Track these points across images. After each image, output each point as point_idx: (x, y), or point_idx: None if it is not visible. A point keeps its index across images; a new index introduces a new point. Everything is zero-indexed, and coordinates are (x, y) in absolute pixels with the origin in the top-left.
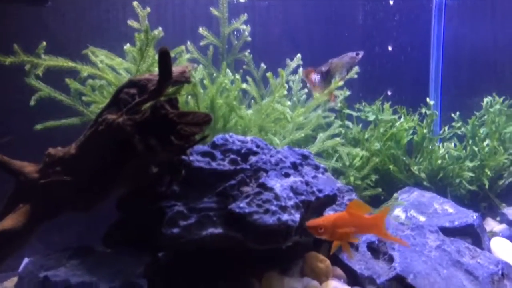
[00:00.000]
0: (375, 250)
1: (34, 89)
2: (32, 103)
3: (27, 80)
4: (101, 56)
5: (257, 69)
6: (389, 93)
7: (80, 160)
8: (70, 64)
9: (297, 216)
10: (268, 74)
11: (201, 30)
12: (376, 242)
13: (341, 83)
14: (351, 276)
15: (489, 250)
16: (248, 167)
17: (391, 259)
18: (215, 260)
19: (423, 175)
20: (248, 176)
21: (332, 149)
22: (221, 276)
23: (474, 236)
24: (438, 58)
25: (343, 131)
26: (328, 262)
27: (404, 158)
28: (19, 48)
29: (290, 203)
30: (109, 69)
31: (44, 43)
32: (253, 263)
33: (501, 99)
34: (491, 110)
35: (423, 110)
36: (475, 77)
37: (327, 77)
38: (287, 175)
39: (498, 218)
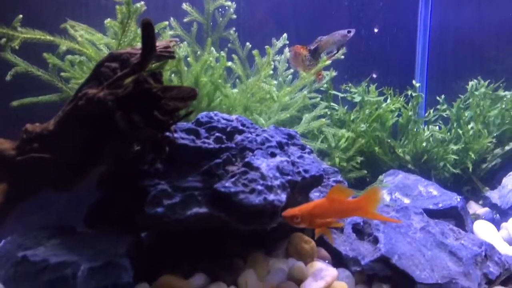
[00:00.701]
0: (360, 231)
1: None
2: (8, 78)
3: (2, 54)
4: (80, 31)
5: (242, 48)
6: (374, 75)
7: (59, 136)
8: (48, 37)
9: (283, 196)
10: (254, 52)
11: (185, 6)
12: (361, 223)
13: (328, 62)
14: (336, 257)
15: (472, 233)
16: (233, 145)
17: (375, 241)
18: (199, 240)
19: (407, 157)
20: (234, 155)
21: (317, 130)
22: (205, 256)
23: (458, 218)
24: (424, 41)
25: (328, 112)
26: (313, 243)
27: (389, 141)
28: None
29: (276, 183)
30: (89, 43)
31: (20, 16)
32: (238, 244)
33: (486, 83)
34: (476, 93)
35: (409, 92)
36: (461, 61)
37: (314, 55)
38: (273, 155)
39: (480, 202)
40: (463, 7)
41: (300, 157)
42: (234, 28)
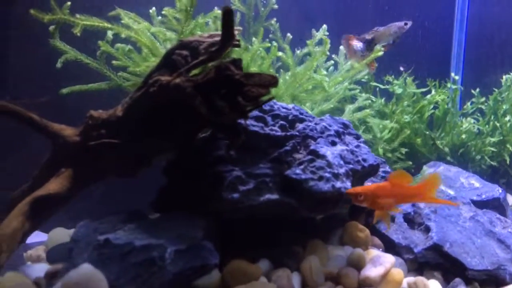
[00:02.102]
0: (410, 220)
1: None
2: (58, 65)
3: (52, 41)
4: (127, 19)
5: (283, 39)
6: (401, 68)
7: (126, 122)
8: (106, 25)
9: (348, 184)
10: (309, 41)
11: None
12: (412, 213)
13: (381, 53)
14: (389, 245)
15: None
16: (297, 133)
17: (427, 229)
18: (260, 229)
19: (446, 149)
20: (298, 143)
21: (358, 121)
22: (267, 244)
23: (500, 209)
24: (461, 33)
25: (368, 104)
26: (367, 231)
27: (427, 132)
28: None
29: (342, 170)
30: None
31: (69, 3)
32: (295, 232)
33: None
34: None
35: (448, 85)
36: (497, 54)
37: (370, 46)
38: (333, 143)
39: None
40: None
41: (357, 146)
42: (275, 19)
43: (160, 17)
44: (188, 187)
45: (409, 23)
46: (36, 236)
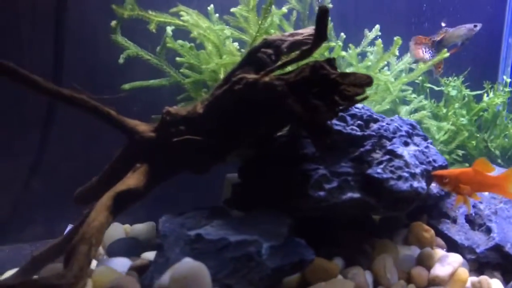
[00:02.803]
0: (471, 221)
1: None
2: (121, 61)
3: (113, 37)
4: (186, 16)
5: (336, 37)
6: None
7: (207, 119)
8: (177, 21)
9: (424, 184)
10: (377, 42)
11: None
12: (473, 214)
13: (447, 54)
14: (452, 245)
15: None
16: (373, 133)
17: (488, 230)
18: (326, 228)
19: (497, 152)
20: (375, 142)
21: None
22: (338, 243)
23: None
24: (510, 37)
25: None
26: (432, 232)
27: (478, 135)
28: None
29: (418, 170)
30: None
31: None
32: (362, 232)
33: None
34: None
35: (501, 87)
36: None
37: (438, 47)
38: (406, 144)
39: None
40: None
41: (426, 147)
42: (329, 17)
43: (217, 14)
44: (269, 185)
45: (479, 26)
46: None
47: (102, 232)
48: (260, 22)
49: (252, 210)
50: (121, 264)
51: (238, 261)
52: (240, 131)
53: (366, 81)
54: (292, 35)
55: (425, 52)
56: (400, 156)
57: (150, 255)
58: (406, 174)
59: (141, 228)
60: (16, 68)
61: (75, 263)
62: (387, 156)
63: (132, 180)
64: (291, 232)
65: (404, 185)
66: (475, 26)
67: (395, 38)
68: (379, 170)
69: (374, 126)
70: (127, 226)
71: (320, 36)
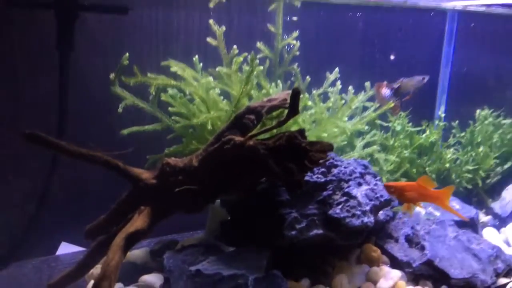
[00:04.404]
0: (410, 241)
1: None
2: (119, 110)
3: (113, 89)
4: (175, 67)
5: (303, 81)
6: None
7: (200, 171)
8: (173, 82)
9: (372, 219)
10: (338, 97)
11: (259, 44)
12: (411, 234)
13: (392, 104)
14: (394, 261)
15: (482, 237)
16: (334, 178)
17: (422, 248)
18: (302, 253)
19: (433, 175)
20: (335, 186)
21: (365, 154)
22: (306, 265)
23: (474, 227)
24: (444, 76)
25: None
26: (379, 251)
27: (418, 161)
28: (137, 70)
29: (367, 208)
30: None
31: (127, 54)
32: (324, 255)
33: (490, 112)
34: (486, 122)
35: (436, 122)
36: (473, 94)
37: (396, 93)
38: (360, 184)
39: (484, 211)
40: (479, 51)
41: (375, 184)
42: (297, 63)
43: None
44: (252, 224)
45: (427, 78)
46: (65, 248)
47: (118, 269)
48: (243, 86)
49: (238, 244)
50: None
51: None
52: (229, 180)
53: (328, 147)
54: (269, 100)
55: (386, 96)
56: (354, 197)
57: (148, 278)
58: (358, 212)
59: (137, 254)
60: (45, 136)
61: None
62: (344, 198)
63: (139, 222)
64: (269, 262)
65: (356, 222)
66: (424, 78)
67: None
68: (337, 211)
69: (335, 171)
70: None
71: (293, 111)
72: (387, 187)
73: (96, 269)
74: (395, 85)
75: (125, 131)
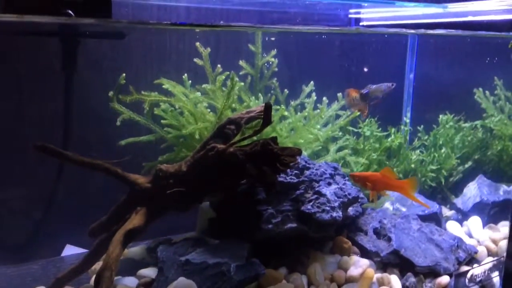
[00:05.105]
0: (378, 233)
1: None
2: (118, 123)
3: (111, 105)
4: (167, 85)
5: (281, 93)
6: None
7: (188, 175)
8: (164, 98)
9: (340, 213)
10: (312, 95)
11: (241, 62)
12: (379, 227)
13: (358, 113)
14: (364, 251)
15: (445, 229)
16: (306, 179)
17: (389, 239)
18: (280, 245)
19: (401, 175)
20: (307, 186)
21: (339, 158)
22: (284, 255)
23: (437, 220)
24: (409, 85)
25: (345, 143)
26: (350, 243)
27: (387, 162)
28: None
29: (336, 204)
30: (187, 100)
31: (124, 74)
32: (301, 246)
33: (451, 117)
34: (447, 126)
35: (402, 127)
36: (435, 100)
37: (365, 98)
38: (329, 184)
39: (448, 206)
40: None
41: (344, 184)
42: (275, 78)
43: (190, 81)
44: (235, 219)
45: (394, 84)
46: (70, 250)
47: (118, 261)
48: (225, 100)
49: (223, 238)
50: (130, 282)
51: (215, 277)
52: (213, 182)
53: (297, 152)
54: (248, 112)
55: (355, 101)
56: (324, 195)
57: (145, 272)
58: (328, 208)
59: (135, 251)
60: (53, 148)
61: (103, 285)
62: (315, 196)
63: (136, 220)
64: (249, 253)
65: (326, 216)
66: (392, 84)
67: (323, 99)
68: (309, 207)
69: (307, 172)
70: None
71: (267, 121)
72: (352, 176)
73: (98, 265)
74: (364, 91)
75: (122, 142)
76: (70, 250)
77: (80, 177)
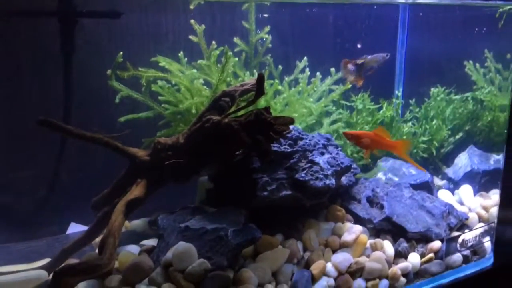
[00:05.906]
0: (371, 201)
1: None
2: (116, 101)
3: (110, 82)
4: (163, 62)
5: (276, 69)
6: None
7: (186, 147)
8: (161, 74)
9: (333, 181)
10: (306, 70)
11: (236, 39)
12: (372, 196)
13: (349, 86)
14: (357, 219)
15: (437, 198)
16: (299, 149)
17: (382, 207)
18: (274, 214)
19: None
20: (301, 155)
21: (333, 131)
22: (280, 223)
23: (429, 189)
24: (401, 59)
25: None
26: (343, 211)
27: None
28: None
29: (329, 172)
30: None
31: (121, 53)
32: (296, 215)
33: (443, 89)
34: (438, 98)
35: (394, 100)
36: (427, 74)
37: (360, 68)
38: (322, 153)
39: (440, 176)
40: (430, 36)
41: (337, 153)
42: (270, 55)
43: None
44: (232, 189)
45: (389, 55)
46: (74, 227)
47: (121, 229)
48: (219, 74)
49: (221, 207)
50: (133, 249)
51: (214, 241)
52: (210, 153)
53: (290, 121)
54: (242, 85)
55: (352, 70)
56: (317, 164)
57: (147, 242)
58: (321, 176)
59: (137, 223)
60: (56, 122)
61: (107, 250)
62: (309, 164)
63: (137, 191)
64: (246, 219)
65: (319, 183)
66: (387, 55)
67: (312, 80)
68: (303, 175)
69: (300, 143)
70: (126, 222)
71: (260, 92)
72: (345, 135)
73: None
74: (359, 61)
75: (122, 119)
76: (74, 228)
77: (85, 157)
